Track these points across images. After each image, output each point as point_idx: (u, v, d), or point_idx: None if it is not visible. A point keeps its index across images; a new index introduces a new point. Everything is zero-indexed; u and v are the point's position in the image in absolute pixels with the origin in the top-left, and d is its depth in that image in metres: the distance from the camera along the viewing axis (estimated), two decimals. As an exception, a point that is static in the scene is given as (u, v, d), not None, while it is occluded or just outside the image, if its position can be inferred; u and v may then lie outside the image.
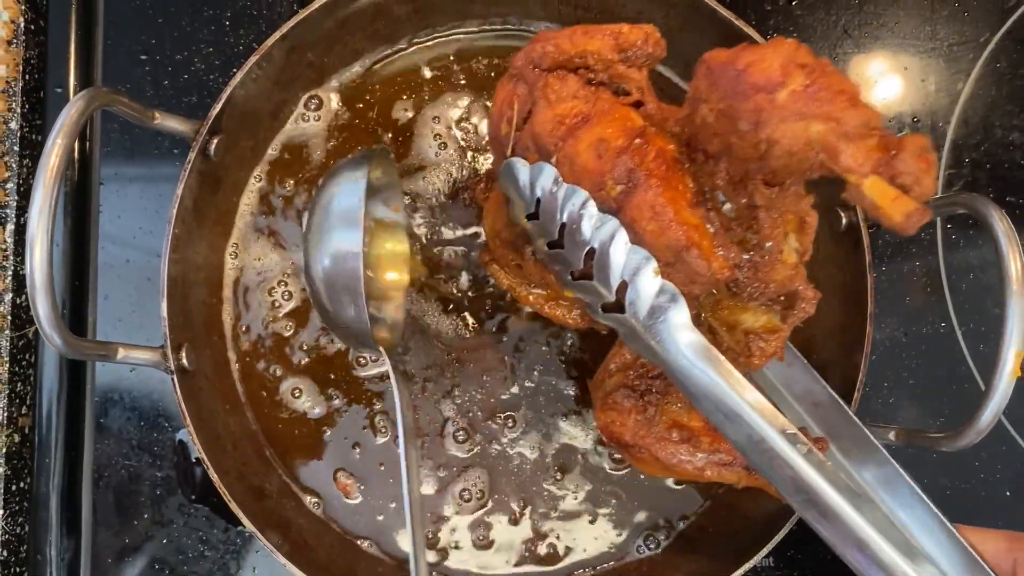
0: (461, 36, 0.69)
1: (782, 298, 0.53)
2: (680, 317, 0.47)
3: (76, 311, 0.70)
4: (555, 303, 0.61)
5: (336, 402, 0.67)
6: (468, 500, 0.67)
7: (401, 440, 0.56)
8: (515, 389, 0.68)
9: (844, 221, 0.63)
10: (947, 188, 0.73)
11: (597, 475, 0.67)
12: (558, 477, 0.67)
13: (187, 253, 0.62)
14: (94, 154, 0.72)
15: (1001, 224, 0.53)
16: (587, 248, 0.49)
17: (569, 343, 0.69)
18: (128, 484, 0.69)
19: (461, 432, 0.67)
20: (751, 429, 0.46)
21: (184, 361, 0.59)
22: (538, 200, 0.52)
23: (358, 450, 0.66)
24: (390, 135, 0.69)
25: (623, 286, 0.49)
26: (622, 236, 0.48)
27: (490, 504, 0.67)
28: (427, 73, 0.69)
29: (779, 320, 0.54)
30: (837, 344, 0.65)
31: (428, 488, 0.67)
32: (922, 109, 0.73)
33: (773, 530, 0.59)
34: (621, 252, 0.48)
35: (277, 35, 0.61)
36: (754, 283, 0.52)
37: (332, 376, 0.67)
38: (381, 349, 0.59)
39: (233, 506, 0.58)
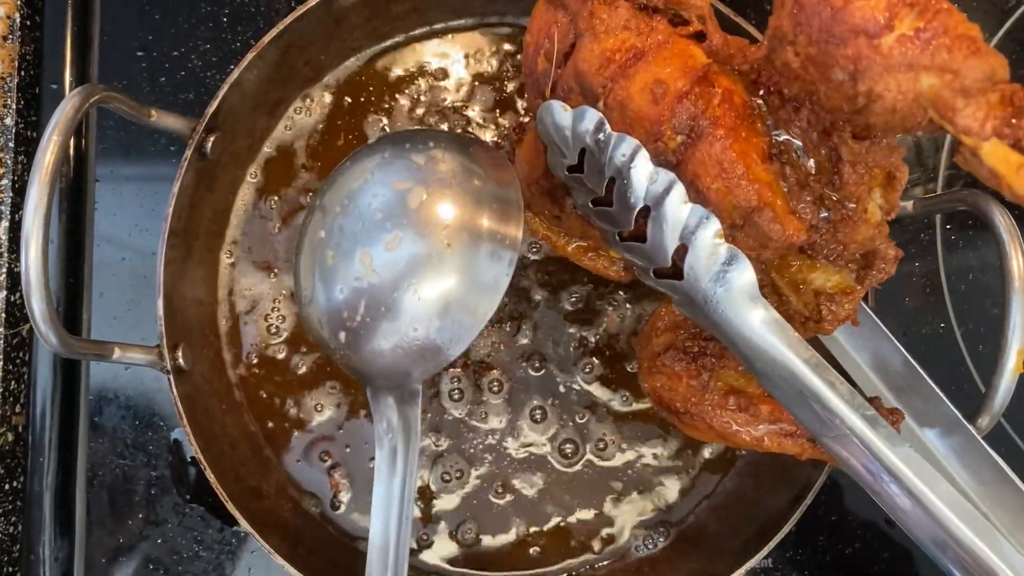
0: (459, 32, 0.69)
1: (858, 256, 0.48)
2: (747, 288, 0.42)
3: (71, 309, 0.70)
4: (596, 254, 0.55)
5: (334, 402, 0.66)
6: (448, 481, 0.66)
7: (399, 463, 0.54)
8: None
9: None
10: (948, 186, 0.73)
11: (595, 471, 0.67)
12: (559, 466, 0.67)
13: (183, 252, 0.62)
14: (90, 151, 0.71)
15: (1003, 220, 0.52)
16: (639, 207, 0.44)
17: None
18: (122, 483, 0.68)
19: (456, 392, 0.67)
20: (826, 410, 0.42)
21: (180, 361, 0.59)
22: (582, 150, 0.46)
23: (349, 449, 0.66)
24: (386, 123, 0.68)
25: (681, 250, 0.43)
26: (679, 192, 0.42)
27: (481, 492, 0.66)
28: (424, 68, 0.69)
29: (853, 280, 0.48)
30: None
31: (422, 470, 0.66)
32: (922, 109, 0.73)
33: (773, 530, 0.59)
34: (680, 211, 0.42)
35: (273, 32, 0.60)
36: (832, 244, 0.47)
37: (330, 376, 0.66)
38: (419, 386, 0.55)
39: (230, 507, 0.57)
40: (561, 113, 0.46)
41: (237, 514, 0.57)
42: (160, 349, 0.58)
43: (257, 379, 0.66)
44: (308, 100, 0.68)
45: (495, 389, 0.67)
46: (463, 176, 0.52)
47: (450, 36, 0.69)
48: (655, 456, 0.67)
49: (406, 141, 0.55)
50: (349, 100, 0.68)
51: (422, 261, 0.50)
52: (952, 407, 0.56)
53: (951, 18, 0.37)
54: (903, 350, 0.58)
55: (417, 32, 0.69)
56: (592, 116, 0.44)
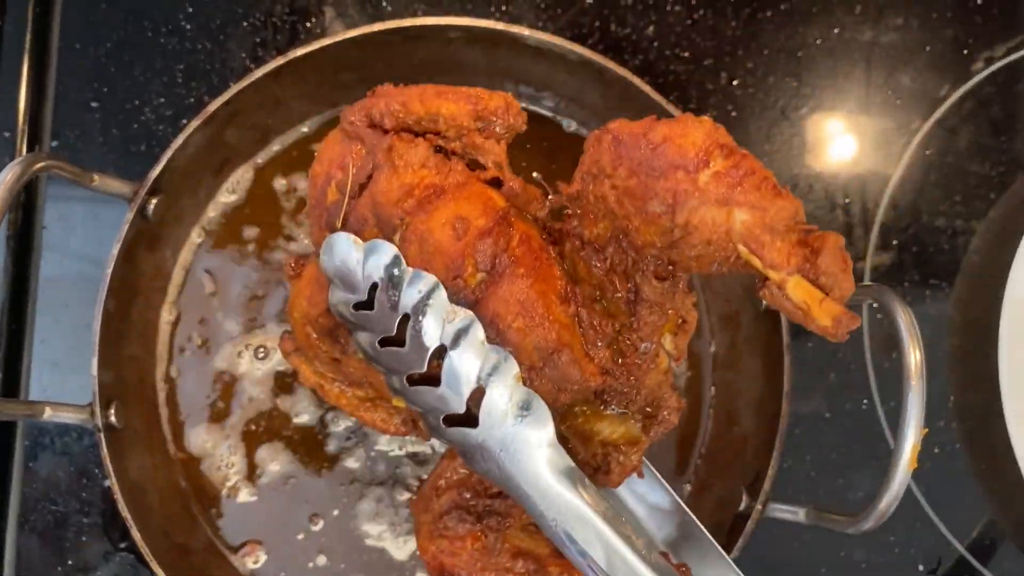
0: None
1: (645, 407, 0.48)
2: (544, 433, 0.41)
3: (11, 354, 0.70)
4: (373, 405, 0.54)
5: (268, 461, 0.67)
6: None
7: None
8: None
9: (764, 303, 0.65)
10: (874, 270, 0.76)
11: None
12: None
13: (122, 309, 0.63)
14: (39, 196, 0.72)
15: (904, 318, 0.53)
16: (434, 346, 0.42)
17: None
18: (54, 529, 0.69)
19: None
20: (623, 564, 0.41)
21: (113, 419, 0.60)
22: (373, 286, 0.44)
23: (273, 513, 0.66)
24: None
25: (476, 394, 0.42)
26: (478, 332, 0.41)
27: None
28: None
29: (639, 431, 0.48)
30: (757, 418, 0.67)
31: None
32: (853, 191, 0.76)
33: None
34: (478, 351, 0.41)
35: (220, 100, 0.62)
36: (625, 389, 0.46)
37: (264, 437, 0.67)
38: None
39: (154, 565, 0.59)
40: (351, 245, 0.44)
41: (160, 573, 0.58)
42: (92, 407, 0.59)
43: (191, 436, 0.67)
44: (253, 163, 0.69)
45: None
46: None
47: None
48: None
49: None
50: (289, 166, 0.70)
51: None
52: (726, 556, 0.56)
53: (755, 162, 0.39)
54: (681, 502, 0.58)
55: (364, 100, 0.70)
56: (387, 249, 0.43)
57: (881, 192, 0.76)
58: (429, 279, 0.42)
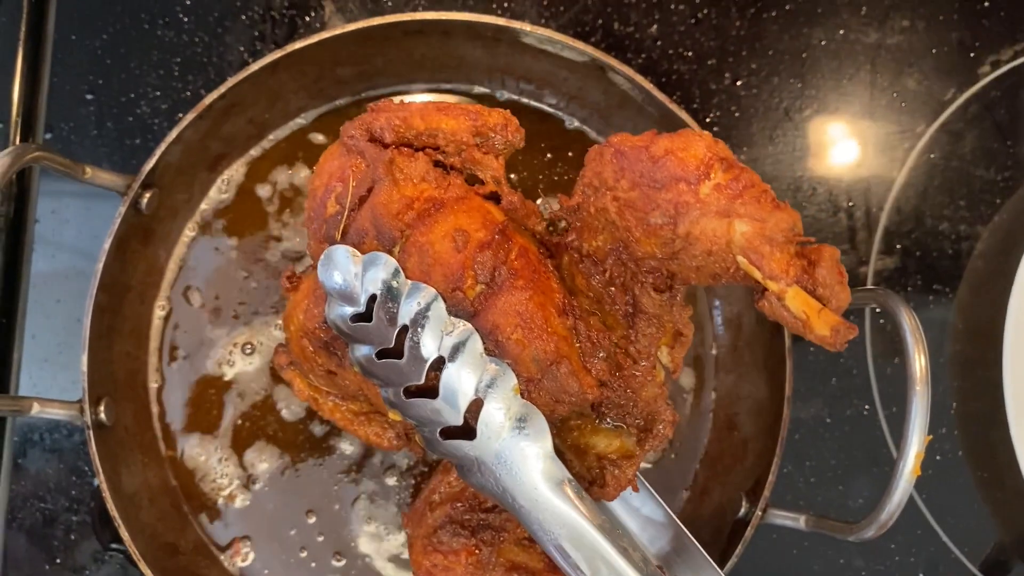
0: (404, 97, 0.70)
1: (640, 420, 0.48)
2: (542, 445, 0.41)
3: (2, 350, 0.70)
4: (367, 419, 0.54)
5: (258, 462, 0.66)
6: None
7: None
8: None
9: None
10: (877, 274, 0.75)
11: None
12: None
13: (113, 304, 0.62)
14: (32, 188, 0.71)
15: (908, 322, 0.53)
16: (433, 358, 0.42)
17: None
18: (42, 527, 0.68)
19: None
20: None
21: (102, 416, 0.59)
22: (372, 298, 0.44)
23: (263, 512, 0.66)
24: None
25: (474, 406, 0.42)
26: (476, 344, 0.41)
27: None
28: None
29: (634, 444, 0.48)
30: (758, 423, 0.66)
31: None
32: (857, 194, 0.75)
33: None
34: (477, 363, 0.41)
35: (216, 93, 0.61)
36: (622, 402, 0.46)
37: (254, 434, 0.66)
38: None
39: (143, 565, 0.58)
40: (349, 258, 0.44)
41: (149, 573, 0.57)
42: (81, 404, 0.58)
43: (181, 436, 0.66)
44: (248, 158, 0.68)
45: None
46: None
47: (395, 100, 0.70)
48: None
49: None
50: (286, 160, 0.69)
51: None
52: (720, 571, 0.56)
53: (754, 175, 0.40)
54: (673, 516, 0.57)
55: (363, 96, 0.69)
56: (385, 261, 0.43)
57: (885, 196, 0.75)
58: (428, 291, 0.42)
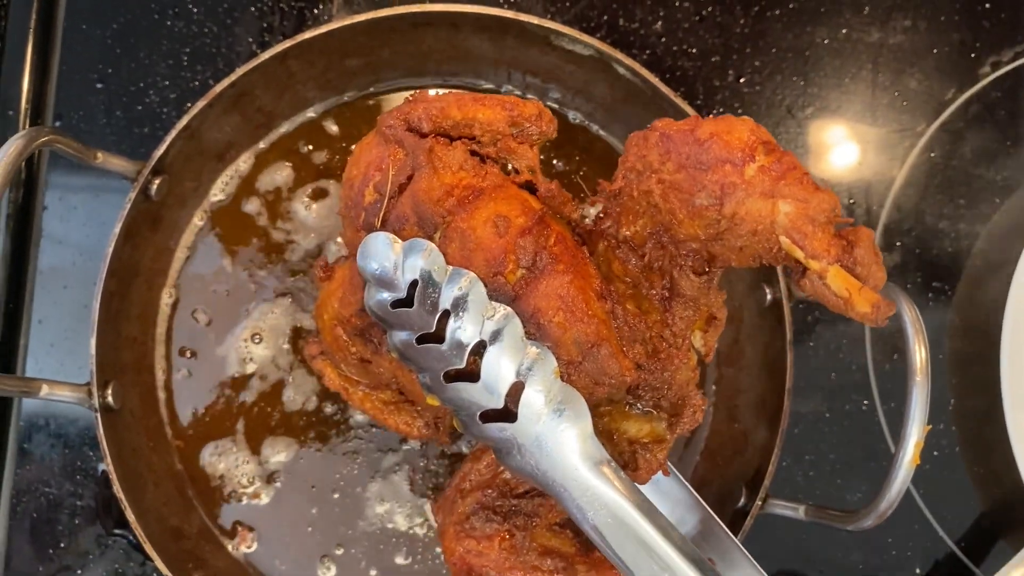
0: (411, 90, 0.70)
1: (670, 405, 0.48)
2: (582, 427, 0.42)
3: (8, 334, 0.70)
4: (396, 408, 0.54)
5: (263, 447, 0.67)
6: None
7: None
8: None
9: (769, 297, 0.65)
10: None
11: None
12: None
13: (122, 290, 0.62)
14: (40, 176, 0.72)
15: (909, 314, 0.53)
16: (474, 342, 0.42)
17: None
18: (46, 512, 0.68)
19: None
20: (658, 558, 0.41)
21: (110, 399, 0.59)
22: (412, 283, 0.44)
23: (268, 499, 0.66)
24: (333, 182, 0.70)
25: (514, 389, 0.42)
26: (517, 328, 0.42)
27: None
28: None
29: (664, 429, 0.48)
30: (758, 415, 0.67)
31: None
32: (857, 192, 0.76)
33: None
34: (516, 347, 0.42)
35: (226, 82, 0.61)
36: (657, 386, 0.47)
37: (263, 420, 0.67)
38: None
39: (148, 547, 0.58)
40: (390, 244, 0.45)
41: (154, 555, 0.58)
42: (90, 387, 0.58)
43: (188, 420, 0.66)
44: (256, 148, 0.69)
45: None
46: None
47: (403, 92, 0.70)
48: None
49: None
50: (306, 148, 0.70)
51: None
52: (747, 554, 0.56)
53: (795, 158, 0.42)
54: (702, 500, 0.58)
55: (371, 89, 0.70)
56: (426, 247, 0.44)
57: (885, 194, 0.76)
58: (468, 276, 0.43)
